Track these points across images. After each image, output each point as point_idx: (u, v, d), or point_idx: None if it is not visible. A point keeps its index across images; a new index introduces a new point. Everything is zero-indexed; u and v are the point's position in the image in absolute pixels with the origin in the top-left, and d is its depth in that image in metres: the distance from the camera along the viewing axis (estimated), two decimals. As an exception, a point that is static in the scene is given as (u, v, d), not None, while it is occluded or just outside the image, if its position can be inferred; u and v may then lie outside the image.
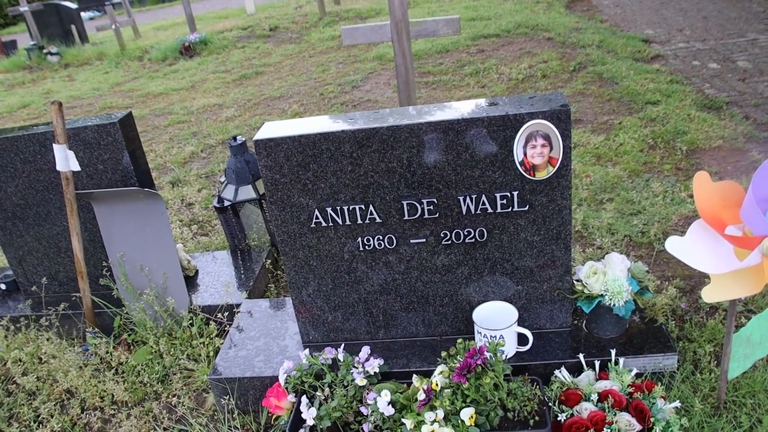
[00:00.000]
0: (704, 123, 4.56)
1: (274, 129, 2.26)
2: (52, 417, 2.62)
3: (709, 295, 1.89)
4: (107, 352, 2.86)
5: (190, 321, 2.89)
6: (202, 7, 18.01)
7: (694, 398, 2.15)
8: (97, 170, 2.97)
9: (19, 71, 11.41)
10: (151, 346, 2.83)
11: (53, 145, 2.71)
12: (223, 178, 3.51)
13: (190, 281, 3.26)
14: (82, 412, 2.66)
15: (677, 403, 2.07)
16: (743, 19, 7.43)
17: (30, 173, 3.01)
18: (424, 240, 2.31)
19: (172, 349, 2.81)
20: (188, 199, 4.57)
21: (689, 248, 1.93)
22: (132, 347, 2.94)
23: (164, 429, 2.49)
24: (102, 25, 12.02)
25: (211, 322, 2.91)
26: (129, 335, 2.97)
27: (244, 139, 3.40)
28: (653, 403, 2.04)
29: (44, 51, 11.55)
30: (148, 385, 2.72)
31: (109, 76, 9.71)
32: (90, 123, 2.89)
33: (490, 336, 2.23)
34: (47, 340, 2.94)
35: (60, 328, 3.09)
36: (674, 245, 1.93)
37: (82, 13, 13.81)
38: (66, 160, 2.72)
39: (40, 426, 2.60)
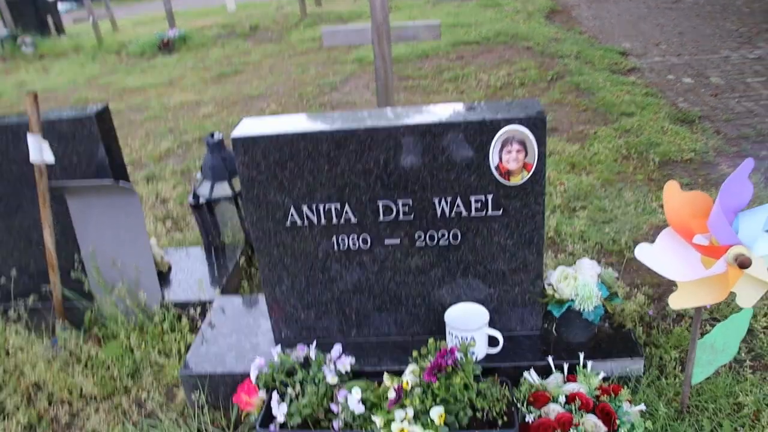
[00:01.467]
0: (677, 136, 4.64)
1: (252, 126, 2.27)
2: (18, 410, 2.59)
3: (675, 301, 1.93)
4: (77, 346, 2.84)
5: (162, 316, 2.88)
6: (182, 3, 17.85)
7: (659, 402, 2.19)
8: (72, 163, 2.94)
9: (-8, 61, 11.25)
10: (122, 341, 2.81)
11: (27, 134, 2.69)
12: (199, 175, 3.50)
13: (163, 277, 3.24)
14: (50, 406, 2.63)
15: (642, 407, 2.11)
16: (717, 36, 7.57)
17: (1, 164, 2.97)
18: (398, 241, 2.33)
19: (143, 344, 2.80)
20: (163, 195, 4.55)
21: (658, 256, 1.97)
22: (102, 341, 2.92)
23: (133, 423, 2.48)
24: (79, 18, 11.90)
25: (183, 317, 2.90)
26: (99, 329, 2.95)
27: (221, 136, 3.40)
28: (619, 406, 2.08)
29: (18, 41, 11.38)
30: (118, 379, 2.70)
31: (85, 69, 9.60)
32: (65, 115, 2.87)
33: (462, 337, 2.26)
34: (15, 332, 2.91)
35: (29, 321, 3.06)
36: (643, 252, 1.97)
37: (59, 4, 13.62)
38: (40, 151, 2.69)
39: (6, 419, 2.57)
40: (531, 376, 2.24)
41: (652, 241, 1.99)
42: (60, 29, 12.67)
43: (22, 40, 11.25)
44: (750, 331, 2.61)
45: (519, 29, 8.31)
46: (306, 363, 2.31)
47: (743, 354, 2.47)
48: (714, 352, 2.12)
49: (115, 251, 2.91)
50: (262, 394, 2.25)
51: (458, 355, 2.03)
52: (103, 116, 2.93)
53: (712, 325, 2.61)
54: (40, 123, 2.67)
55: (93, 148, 2.90)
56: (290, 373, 2.28)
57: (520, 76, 6.41)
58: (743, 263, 1.76)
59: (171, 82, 8.16)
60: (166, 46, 9.97)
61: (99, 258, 2.93)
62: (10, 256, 3.20)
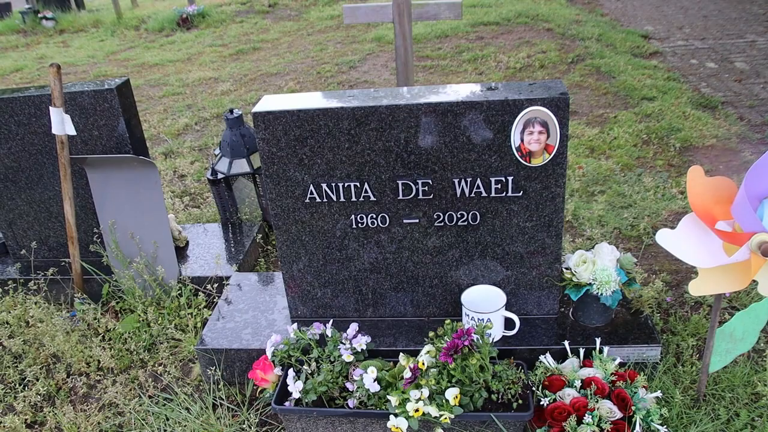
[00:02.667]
0: (699, 121, 4.59)
1: (273, 102, 2.26)
2: (37, 380, 2.62)
3: (696, 288, 1.91)
4: (95, 319, 2.86)
5: (179, 291, 2.90)
6: (201, -21, 17.80)
7: (675, 389, 2.18)
8: (92, 136, 2.95)
9: (13, 34, 11.26)
10: (139, 315, 2.83)
11: (50, 108, 2.70)
12: (217, 151, 3.50)
13: (181, 252, 3.26)
14: (68, 377, 2.66)
15: (658, 393, 2.10)
16: (743, 20, 7.45)
17: (24, 136, 2.99)
18: (417, 220, 2.32)
19: (160, 319, 2.82)
20: (181, 171, 4.56)
21: (679, 241, 1.95)
22: (120, 315, 2.94)
23: (149, 397, 2.51)
24: (99, -8, 11.88)
25: (199, 293, 2.92)
26: (117, 303, 2.97)
27: (240, 112, 3.39)
28: (635, 393, 2.07)
29: (39, 15, 11.40)
30: (135, 353, 2.73)
31: (104, 44, 9.62)
32: (87, 88, 2.87)
33: (478, 319, 2.25)
34: (35, 304, 2.93)
35: (48, 293, 3.09)
36: (665, 238, 1.95)
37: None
38: (62, 124, 2.70)
39: (26, 388, 2.61)
40: (547, 360, 2.24)
41: (672, 228, 1.97)
42: (80, 4, 12.67)
43: (43, 15, 11.28)
44: (770, 319, 2.58)
45: (540, 10, 8.21)
46: (322, 341, 2.32)
47: (762, 344, 2.45)
48: (733, 340, 2.10)
49: (133, 225, 2.93)
50: (277, 370, 2.26)
51: (474, 336, 2.03)
52: (124, 90, 2.93)
53: (731, 314, 2.60)
54: (62, 95, 2.68)
55: (114, 121, 2.91)
56: (306, 351, 2.29)
57: (540, 58, 6.34)
58: (767, 251, 1.74)
59: (189, 58, 8.16)
60: (185, 22, 9.96)
61: (118, 232, 2.95)
62: (30, 228, 3.23)
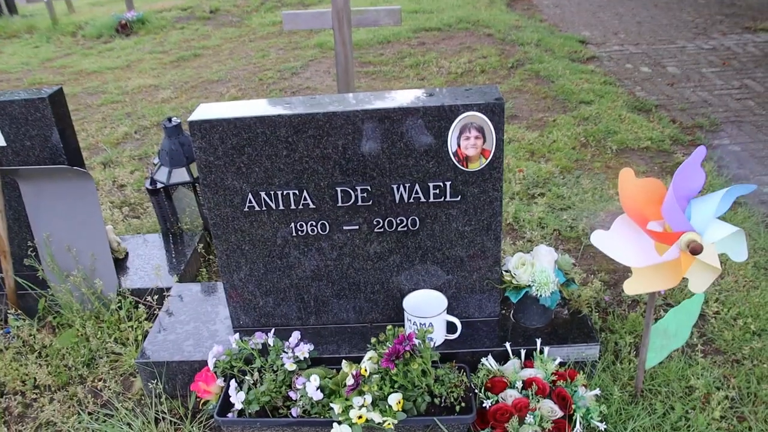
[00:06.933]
0: (634, 124, 4.72)
1: (209, 110, 2.23)
2: (-32, 400, 2.53)
3: (630, 287, 1.96)
4: (30, 335, 2.78)
5: (119, 304, 2.83)
6: (140, -15, 17.48)
7: (614, 386, 2.24)
8: (24, 147, 2.87)
9: (-59, 41, 10.87)
10: (77, 329, 2.76)
11: (-23, 118, 2.61)
12: (156, 160, 3.44)
13: (120, 264, 3.19)
14: (2, 396, 2.57)
15: (597, 391, 2.15)
16: (674, 26, 7.69)
17: (-49, 147, 2.89)
18: (357, 227, 2.32)
19: (99, 333, 2.75)
20: (120, 181, 4.47)
21: (613, 242, 2.00)
22: (57, 330, 2.86)
23: (89, 413, 2.44)
24: (33, -2, 11.54)
25: (140, 305, 2.86)
26: (54, 318, 2.89)
27: (179, 120, 3.34)
28: (575, 391, 2.11)
29: (-29, 21, 11.04)
30: (73, 368, 2.66)
31: (39, 51, 9.34)
32: (17, 97, 2.79)
33: (420, 323, 2.27)
34: (-34, 321, 2.84)
35: (-20, 309, 2.99)
36: (599, 239, 2.00)
37: (12, -15, 13.20)
38: (-10, 135, 2.62)
39: (-44, 409, 2.51)
40: (489, 362, 2.27)
41: (609, 228, 2.02)
42: (12, 9, 12.30)
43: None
44: (702, 316, 2.67)
45: (480, 16, 8.33)
46: (264, 350, 2.30)
47: (695, 338, 2.53)
48: (667, 336, 2.17)
49: (70, 238, 2.86)
50: (220, 381, 2.24)
51: (416, 341, 2.04)
52: (57, 99, 2.85)
53: (666, 311, 2.67)
54: (-11, 106, 2.60)
55: (47, 131, 2.83)
56: (248, 361, 2.26)
57: (481, 63, 6.43)
58: (695, 249, 1.80)
59: (129, 65, 8.00)
60: (124, 29, 9.76)
61: (53, 245, 2.87)
62: (-41, 242, 3.12)
